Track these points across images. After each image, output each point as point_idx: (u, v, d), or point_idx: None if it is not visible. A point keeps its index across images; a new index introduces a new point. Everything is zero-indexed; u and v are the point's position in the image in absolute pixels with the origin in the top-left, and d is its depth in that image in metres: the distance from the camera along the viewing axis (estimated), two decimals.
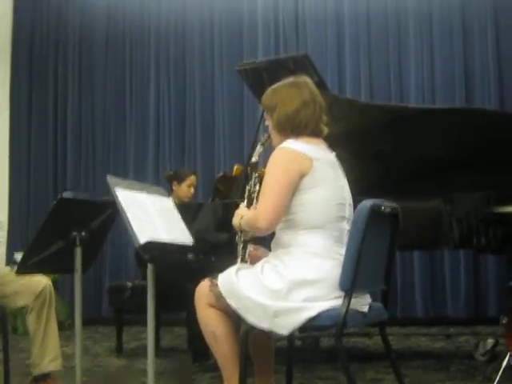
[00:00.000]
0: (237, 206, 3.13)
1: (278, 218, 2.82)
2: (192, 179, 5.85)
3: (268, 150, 3.21)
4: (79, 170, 8.45)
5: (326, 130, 3.03)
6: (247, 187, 3.18)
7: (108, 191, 3.19)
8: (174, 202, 3.58)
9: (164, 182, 6.02)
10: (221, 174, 5.95)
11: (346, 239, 2.83)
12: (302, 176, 2.82)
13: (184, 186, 5.79)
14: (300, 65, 4.49)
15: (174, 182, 5.80)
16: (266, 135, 3.22)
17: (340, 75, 7.62)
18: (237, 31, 8.05)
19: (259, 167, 3.27)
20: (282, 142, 2.96)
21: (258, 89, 4.80)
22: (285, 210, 2.83)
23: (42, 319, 3.89)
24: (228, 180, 5.55)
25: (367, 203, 2.70)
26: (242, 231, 3.06)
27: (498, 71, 7.10)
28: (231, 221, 3.07)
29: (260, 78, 4.68)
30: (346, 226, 2.88)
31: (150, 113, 8.26)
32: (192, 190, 5.83)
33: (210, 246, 4.34)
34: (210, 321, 2.93)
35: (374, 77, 7.53)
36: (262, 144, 3.25)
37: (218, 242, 4.39)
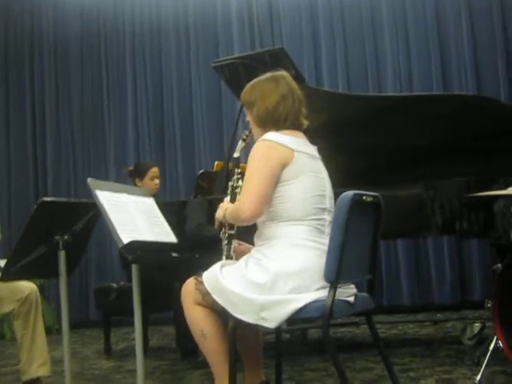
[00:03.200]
0: (219, 202, 3.14)
1: (261, 207, 2.83)
2: (154, 171, 5.67)
3: (250, 146, 3.22)
4: (59, 175, 8.41)
5: (305, 123, 3.04)
6: (230, 183, 3.19)
7: (89, 195, 3.19)
8: None
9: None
10: (202, 170, 5.93)
11: (327, 230, 2.84)
12: (283, 167, 2.83)
13: (147, 179, 5.61)
14: (276, 58, 4.49)
15: (137, 179, 5.63)
16: (246, 131, 3.23)
17: (316, 67, 7.64)
18: (211, 27, 8.05)
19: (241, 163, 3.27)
20: (263, 136, 2.97)
21: (235, 84, 4.80)
22: (267, 200, 2.84)
23: (29, 324, 3.88)
24: (209, 176, 5.53)
25: (349, 194, 2.70)
26: (225, 227, 3.07)
27: (473, 56, 7.13)
28: (211, 216, 3.08)
29: (237, 73, 4.68)
30: (328, 217, 2.89)
31: (128, 113, 8.25)
32: (156, 181, 5.65)
33: (208, 241, 4.34)
34: (197, 319, 2.93)
35: (350, 67, 7.55)
36: (244, 140, 3.26)
37: (198, 239, 4.40)
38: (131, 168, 5.80)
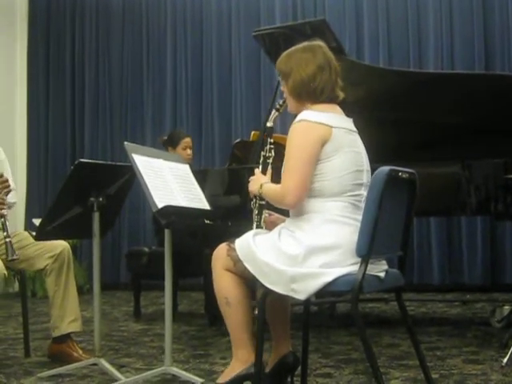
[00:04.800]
0: (251, 172, 3.12)
1: (305, 191, 2.81)
2: (187, 141, 5.76)
3: (284, 116, 3.21)
4: (97, 137, 8.47)
5: (341, 95, 2.99)
6: (262, 153, 3.17)
7: (125, 159, 3.21)
8: None
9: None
10: (238, 139, 5.94)
11: (363, 205, 2.82)
12: (322, 145, 2.80)
13: (179, 149, 5.68)
14: (317, 30, 4.45)
15: (169, 148, 5.71)
16: (281, 100, 3.20)
17: (358, 40, 7.57)
18: None
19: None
20: (297, 107, 2.94)
21: (275, 54, 4.75)
22: (309, 183, 2.82)
23: (61, 281, 3.92)
24: (245, 146, 5.54)
25: (385, 169, 2.68)
26: (256, 197, 3.06)
27: None
28: (244, 185, 3.07)
29: (277, 43, 4.65)
30: (364, 193, 2.85)
31: (167, 80, 8.25)
32: (189, 151, 5.74)
33: (223, 211, 4.35)
34: (224, 285, 2.93)
35: (392, 41, 7.47)
36: (277, 109, 3.22)
37: (231, 207, 4.41)
38: (165, 137, 5.87)
